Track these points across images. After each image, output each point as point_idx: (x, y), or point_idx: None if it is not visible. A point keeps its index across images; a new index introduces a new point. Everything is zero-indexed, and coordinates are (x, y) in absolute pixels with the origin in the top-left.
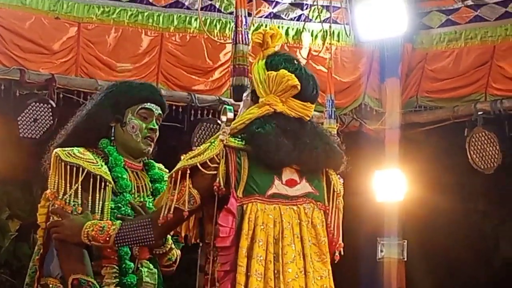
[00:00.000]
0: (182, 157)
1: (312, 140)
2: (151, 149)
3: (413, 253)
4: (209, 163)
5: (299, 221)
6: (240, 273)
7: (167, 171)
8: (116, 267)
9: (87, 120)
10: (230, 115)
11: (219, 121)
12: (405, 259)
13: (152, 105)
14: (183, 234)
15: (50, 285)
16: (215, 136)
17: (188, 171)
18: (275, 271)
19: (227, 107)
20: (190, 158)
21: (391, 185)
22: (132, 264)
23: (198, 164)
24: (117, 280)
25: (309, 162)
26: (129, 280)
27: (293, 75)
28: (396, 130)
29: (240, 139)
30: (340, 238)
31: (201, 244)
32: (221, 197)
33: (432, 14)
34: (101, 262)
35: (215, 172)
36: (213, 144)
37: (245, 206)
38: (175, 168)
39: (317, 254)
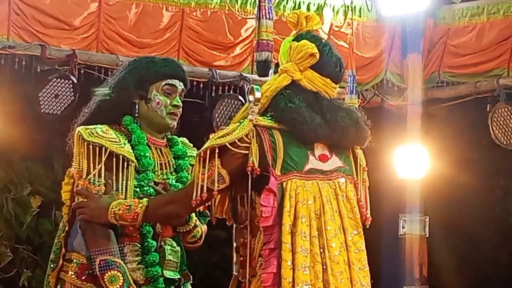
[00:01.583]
0: (210, 136)
1: (341, 118)
2: (175, 124)
3: (435, 229)
4: (238, 142)
5: (335, 195)
6: (285, 250)
7: (191, 145)
8: (139, 245)
9: (110, 98)
10: (258, 94)
11: (240, 97)
12: (427, 235)
13: (176, 81)
14: (215, 215)
15: (74, 260)
16: (239, 115)
17: (217, 151)
18: (320, 247)
19: (255, 86)
20: (219, 138)
21: (413, 161)
22: (154, 242)
23: (227, 144)
24: (139, 258)
25: (340, 141)
26: (151, 258)
27: (313, 45)
28: (418, 106)
29: (270, 118)
30: (368, 212)
31: (234, 226)
32: (255, 177)
33: None
34: (123, 240)
35: (245, 152)
36: (242, 124)
37: (284, 183)
38: (204, 147)
39: (354, 227)
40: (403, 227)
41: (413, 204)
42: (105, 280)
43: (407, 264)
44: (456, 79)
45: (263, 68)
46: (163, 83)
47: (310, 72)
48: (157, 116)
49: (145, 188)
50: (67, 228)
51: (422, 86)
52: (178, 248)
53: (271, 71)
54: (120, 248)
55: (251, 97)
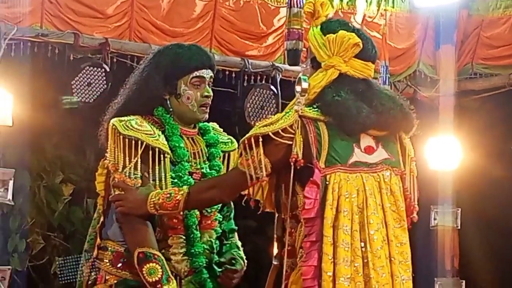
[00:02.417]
0: (256, 125)
1: (387, 102)
2: (207, 116)
3: (467, 221)
4: (282, 133)
5: (379, 188)
6: (327, 243)
7: (221, 130)
8: (183, 237)
9: (140, 94)
10: (305, 85)
11: (272, 87)
12: (459, 227)
13: (203, 71)
14: (254, 198)
15: (109, 248)
16: (290, 105)
17: (260, 139)
18: (362, 241)
19: (302, 76)
20: (263, 126)
21: (445, 153)
22: (199, 233)
23: (270, 133)
24: (184, 250)
25: (388, 124)
26: (196, 249)
27: (353, 34)
28: (450, 97)
29: (315, 109)
30: (416, 202)
31: (276, 215)
32: (298, 168)
33: None
34: (167, 232)
35: (289, 142)
36: (288, 114)
37: (328, 176)
38: (247, 135)
39: (397, 221)
40: (435, 219)
41: (445, 196)
42: (144, 272)
43: (438, 256)
44: (489, 71)
45: (293, 57)
46: (191, 76)
47: (354, 61)
48: (189, 111)
49: (184, 178)
50: (102, 219)
51: (455, 77)
52: (215, 240)
53: (303, 63)
54: (165, 240)
55: (298, 88)
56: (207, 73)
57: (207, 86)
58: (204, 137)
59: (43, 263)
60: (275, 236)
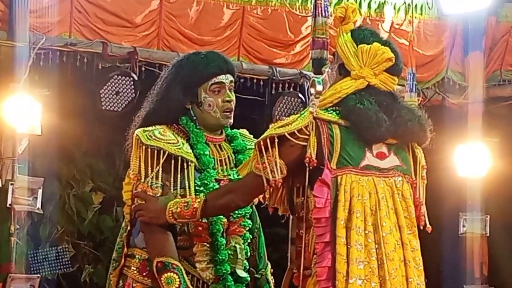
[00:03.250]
0: (270, 126)
1: (406, 114)
2: (232, 120)
3: (496, 228)
4: (297, 133)
5: (391, 193)
6: (340, 244)
7: (251, 137)
8: (207, 245)
9: (162, 105)
10: (319, 87)
11: (300, 95)
12: (488, 235)
13: (222, 76)
14: (271, 205)
15: (137, 255)
16: (306, 109)
17: (276, 140)
18: (376, 242)
19: (316, 79)
20: (278, 127)
21: (474, 160)
22: (224, 240)
23: (286, 134)
24: (209, 257)
25: (405, 135)
26: (221, 256)
27: (387, 48)
28: (479, 104)
29: (332, 112)
30: (424, 211)
31: (291, 217)
32: (312, 169)
33: None
34: (193, 240)
35: (304, 143)
36: (303, 115)
37: (339, 177)
38: (262, 136)
39: (409, 227)
40: (464, 226)
41: (474, 203)
42: (162, 281)
43: (467, 263)
44: None
45: (318, 66)
46: (210, 83)
47: (383, 74)
48: (212, 118)
49: (210, 185)
50: (129, 228)
51: (483, 84)
52: (244, 246)
53: (327, 67)
54: (191, 248)
55: (312, 90)
56: (226, 78)
57: (227, 91)
58: (232, 144)
59: (73, 271)
60: (290, 238)
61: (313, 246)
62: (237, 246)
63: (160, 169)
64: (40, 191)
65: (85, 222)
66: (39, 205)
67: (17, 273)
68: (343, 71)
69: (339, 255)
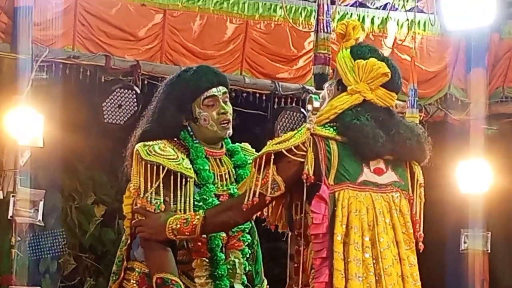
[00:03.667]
0: (268, 143)
1: (404, 132)
2: (231, 131)
3: (497, 245)
4: (295, 150)
5: (389, 208)
6: (337, 259)
7: (253, 150)
8: (207, 259)
9: (158, 124)
10: (316, 104)
11: (302, 110)
12: (489, 251)
13: (213, 89)
14: (271, 223)
15: (136, 269)
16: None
17: (273, 157)
18: (373, 257)
19: (313, 96)
20: (276, 144)
21: (476, 176)
22: (223, 255)
23: (284, 150)
24: (208, 272)
25: (403, 153)
26: (220, 271)
27: (383, 63)
28: (481, 120)
29: (329, 128)
30: (421, 229)
31: (290, 234)
32: (309, 185)
33: None
34: (191, 255)
35: (301, 160)
36: (300, 132)
37: (337, 193)
38: (260, 153)
39: (407, 242)
40: (465, 242)
41: (476, 219)
42: None
43: (469, 280)
44: None
45: (320, 81)
46: (202, 98)
47: (380, 90)
48: (209, 131)
49: (209, 201)
50: (129, 241)
51: (486, 101)
52: (243, 261)
53: (327, 83)
54: (189, 262)
55: (309, 106)
56: (218, 91)
57: (221, 103)
58: (232, 158)
59: (75, 284)
60: (288, 254)
61: (311, 261)
62: (236, 260)
63: (161, 184)
64: (41, 203)
65: (87, 234)
66: (40, 217)
67: (18, 285)
68: (341, 87)
69: (336, 270)
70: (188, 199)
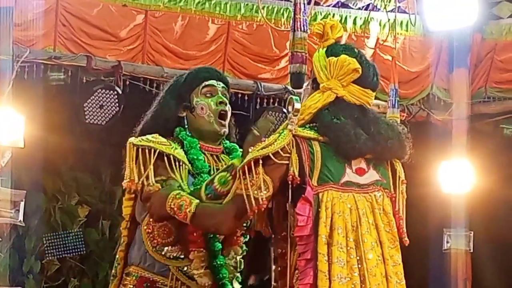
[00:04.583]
0: (250, 150)
1: (384, 130)
2: (226, 130)
3: (480, 244)
4: (281, 152)
5: (372, 208)
6: (322, 261)
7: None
8: (204, 251)
9: (156, 117)
10: (297, 105)
11: (285, 110)
12: (471, 251)
13: (212, 81)
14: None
15: (133, 273)
16: (283, 126)
17: (261, 162)
18: (357, 258)
19: (294, 97)
20: (261, 149)
21: (458, 176)
22: (220, 245)
23: (271, 154)
24: (206, 263)
25: (384, 152)
26: (218, 262)
27: (354, 59)
28: (464, 120)
29: (309, 129)
30: (404, 225)
31: (272, 236)
32: (294, 187)
33: (502, 4)
34: (188, 247)
35: (286, 162)
36: (283, 134)
37: (320, 194)
38: (245, 160)
39: (391, 241)
40: (448, 242)
41: (458, 219)
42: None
43: (451, 279)
44: (502, 95)
45: (296, 80)
46: (201, 86)
47: (352, 86)
48: (206, 123)
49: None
50: (125, 243)
51: (468, 101)
52: (239, 259)
53: (305, 83)
54: (187, 257)
55: (289, 108)
56: (218, 83)
57: (220, 94)
58: (230, 156)
59: (59, 284)
60: (272, 258)
61: (295, 263)
62: (237, 257)
63: (151, 167)
64: (22, 203)
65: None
66: (21, 217)
67: (0, 285)
68: (315, 86)
69: (320, 272)
70: (183, 183)
